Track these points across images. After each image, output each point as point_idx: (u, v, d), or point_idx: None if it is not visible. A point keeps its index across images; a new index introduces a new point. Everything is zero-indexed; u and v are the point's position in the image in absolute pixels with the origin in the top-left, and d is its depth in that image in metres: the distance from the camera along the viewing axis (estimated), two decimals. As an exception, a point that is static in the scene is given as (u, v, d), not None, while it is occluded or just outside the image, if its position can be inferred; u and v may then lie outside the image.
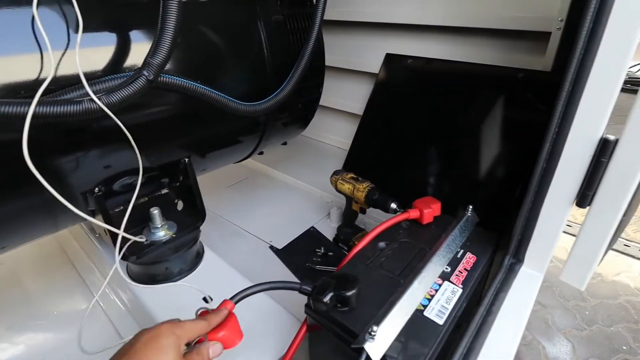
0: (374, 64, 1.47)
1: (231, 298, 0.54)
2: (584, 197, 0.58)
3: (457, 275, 0.64)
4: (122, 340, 0.51)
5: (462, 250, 0.70)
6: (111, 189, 0.77)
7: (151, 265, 0.79)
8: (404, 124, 1.29)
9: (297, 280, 0.89)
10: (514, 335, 0.56)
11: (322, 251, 1.15)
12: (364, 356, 0.50)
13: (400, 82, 1.39)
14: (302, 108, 1.06)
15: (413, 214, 0.76)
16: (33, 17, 0.54)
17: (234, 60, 0.81)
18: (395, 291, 0.59)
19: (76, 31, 0.56)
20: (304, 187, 1.52)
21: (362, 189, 1.04)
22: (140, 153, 0.65)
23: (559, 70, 1.02)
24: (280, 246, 1.17)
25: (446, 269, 0.65)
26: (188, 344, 0.46)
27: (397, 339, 0.52)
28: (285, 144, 1.26)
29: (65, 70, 0.56)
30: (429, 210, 0.76)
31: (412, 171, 1.22)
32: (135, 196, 0.66)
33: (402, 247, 0.71)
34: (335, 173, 1.12)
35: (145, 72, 0.55)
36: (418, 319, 0.56)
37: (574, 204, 0.60)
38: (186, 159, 0.82)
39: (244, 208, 1.37)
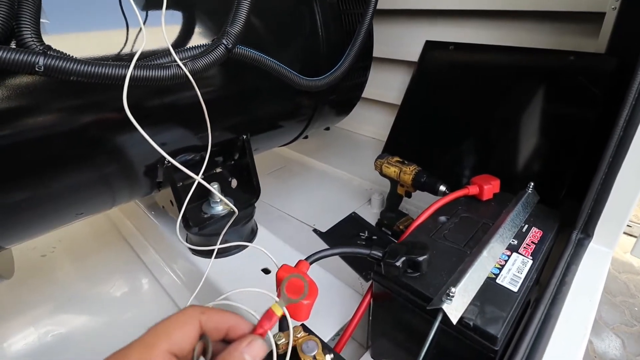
0: (412, 52, 1.46)
1: (306, 259, 0.55)
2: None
3: (525, 247, 0.63)
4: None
5: (526, 225, 0.69)
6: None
7: (211, 238, 0.82)
8: (447, 110, 1.28)
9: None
10: (591, 305, 0.55)
11: (366, 235, 1.15)
12: (439, 317, 0.50)
13: (441, 68, 1.38)
14: (348, 91, 1.07)
15: (472, 190, 0.75)
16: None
17: (291, 38, 0.83)
18: (463, 260, 0.59)
19: (159, 7, 0.59)
20: (342, 175, 1.53)
21: (409, 172, 1.04)
22: (205, 128, 0.68)
23: (615, 52, 0.99)
24: (323, 229, 1.19)
25: (513, 241, 0.64)
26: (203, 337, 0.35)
27: (472, 303, 0.52)
28: (328, 129, 1.27)
29: (151, 42, 0.58)
30: (489, 186, 0.75)
31: (455, 156, 1.21)
32: (205, 165, 0.68)
33: (463, 222, 0.71)
34: (380, 157, 1.12)
35: (224, 41, 0.57)
36: (491, 286, 0.55)
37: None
38: (244, 136, 0.84)
39: (285, 194, 1.40)
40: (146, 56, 0.55)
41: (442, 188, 0.98)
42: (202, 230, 0.79)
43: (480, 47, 1.26)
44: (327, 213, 1.27)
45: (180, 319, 0.33)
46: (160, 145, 0.78)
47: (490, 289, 0.55)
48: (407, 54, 1.49)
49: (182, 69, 0.53)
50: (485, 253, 0.59)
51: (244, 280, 0.77)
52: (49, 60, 0.44)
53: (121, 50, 0.57)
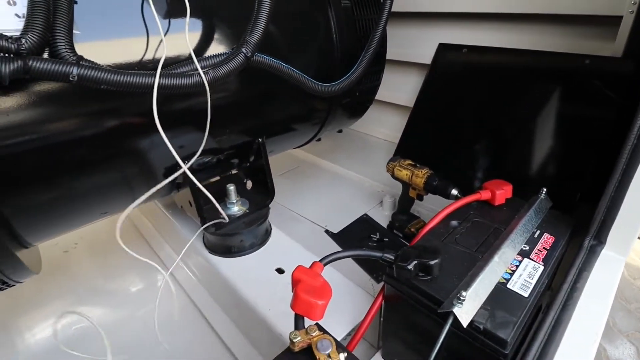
0: (425, 55, 1.47)
1: (320, 260, 0.57)
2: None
3: (536, 253, 0.64)
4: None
5: (538, 231, 0.69)
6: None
7: (228, 237, 0.84)
8: (459, 113, 1.28)
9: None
10: (602, 311, 0.55)
11: (377, 237, 1.16)
12: (450, 321, 0.52)
13: (454, 71, 1.38)
14: (362, 94, 1.08)
15: (484, 195, 0.76)
16: (142, 4, 0.60)
17: (306, 44, 0.85)
18: (474, 265, 0.60)
19: (181, 16, 0.61)
20: (354, 177, 1.54)
21: (421, 175, 1.05)
22: (221, 133, 0.70)
23: (632, 55, 0.98)
24: (335, 231, 1.20)
25: (524, 247, 0.65)
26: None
27: (482, 307, 0.53)
28: (340, 131, 1.29)
29: (173, 50, 0.61)
30: (501, 191, 0.76)
31: (466, 160, 1.21)
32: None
33: (475, 226, 0.71)
34: (392, 160, 1.13)
35: (243, 49, 0.59)
36: (502, 291, 0.56)
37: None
38: (260, 139, 0.86)
39: (297, 194, 1.42)
40: (169, 64, 0.57)
41: (454, 192, 0.98)
42: (220, 230, 0.81)
43: (493, 50, 1.26)
44: (338, 214, 1.28)
45: None
46: (179, 148, 0.81)
47: (501, 294, 0.56)
48: (420, 56, 1.50)
49: (205, 77, 0.55)
50: (496, 258, 0.60)
51: (258, 280, 0.80)
52: (82, 70, 0.47)
53: (143, 58, 0.60)
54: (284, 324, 0.70)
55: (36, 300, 1.01)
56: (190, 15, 0.64)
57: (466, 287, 0.53)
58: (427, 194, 1.08)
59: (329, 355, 0.44)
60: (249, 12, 0.67)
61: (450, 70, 1.38)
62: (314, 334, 0.47)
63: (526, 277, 0.59)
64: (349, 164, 1.60)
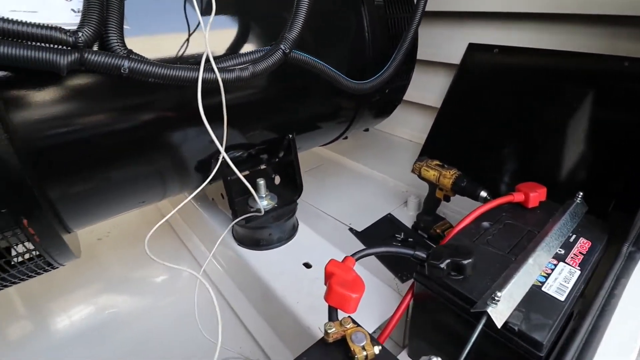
0: (453, 54, 1.44)
1: (352, 255, 0.57)
2: None
3: (572, 257, 0.62)
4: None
5: (574, 235, 0.68)
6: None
7: (257, 230, 0.86)
8: (488, 114, 1.26)
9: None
10: (642, 319, 0.54)
11: (402, 237, 1.16)
12: (483, 321, 0.51)
13: (484, 71, 1.36)
14: (391, 93, 1.08)
15: (517, 197, 0.75)
16: (185, 2, 0.62)
17: (339, 41, 0.86)
18: (507, 267, 0.59)
19: (220, 13, 0.63)
20: (378, 176, 1.54)
21: (449, 176, 1.04)
22: (253, 128, 0.72)
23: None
24: (359, 229, 1.20)
25: (560, 250, 0.64)
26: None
27: (517, 309, 0.53)
28: (367, 130, 1.29)
29: (213, 45, 0.63)
30: (536, 194, 0.74)
31: (495, 162, 1.19)
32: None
33: (507, 228, 0.70)
34: (419, 160, 1.13)
35: (282, 46, 0.60)
36: (537, 293, 0.56)
37: None
38: (290, 135, 0.87)
39: (321, 192, 1.42)
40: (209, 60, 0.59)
41: (483, 194, 0.97)
42: (249, 223, 0.83)
43: (526, 51, 1.23)
44: (362, 213, 1.28)
45: None
46: (210, 143, 0.83)
47: (536, 296, 0.55)
48: (448, 56, 1.48)
49: (245, 72, 0.57)
50: (531, 260, 0.59)
51: (286, 273, 0.81)
52: (133, 64, 0.49)
53: (185, 53, 0.62)
54: (312, 317, 0.71)
55: (69, 285, 1.05)
56: (228, 13, 0.67)
57: (500, 287, 0.53)
58: (454, 195, 1.06)
59: (363, 348, 0.44)
60: (284, 10, 0.68)
61: (480, 70, 1.36)
62: (348, 326, 0.47)
63: (562, 281, 0.58)
64: (373, 163, 1.60)
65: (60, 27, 0.45)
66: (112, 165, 0.64)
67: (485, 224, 0.72)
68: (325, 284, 0.55)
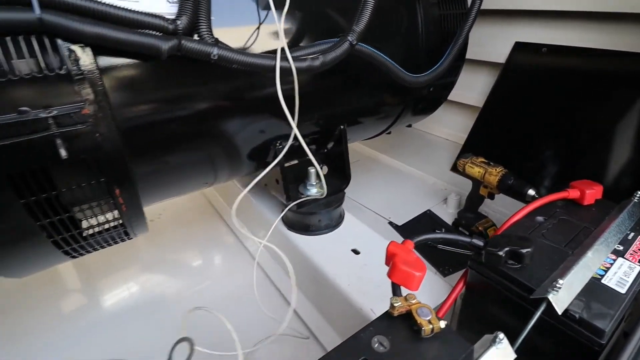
0: (498, 53, 1.43)
1: (411, 239, 0.60)
2: None
3: (631, 254, 0.62)
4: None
5: (632, 233, 0.67)
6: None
7: (307, 216, 0.90)
8: (535, 114, 1.25)
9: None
10: None
11: (442, 232, 1.16)
12: (542, 307, 0.52)
13: (531, 71, 1.34)
14: (437, 90, 1.09)
15: (573, 193, 0.75)
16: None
17: (394, 36, 0.88)
18: (564, 260, 0.60)
19: (292, 7, 0.67)
20: (415, 173, 1.55)
21: (495, 173, 1.04)
22: (309, 118, 0.75)
23: None
24: (399, 223, 1.22)
25: (618, 247, 0.64)
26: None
27: (577, 298, 0.54)
28: (410, 126, 1.30)
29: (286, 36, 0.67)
30: (592, 191, 0.74)
31: (540, 162, 1.18)
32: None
33: (562, 224, 0.71)
34: (463, 156, 1.13)
35: (349, 38, 0.63)
36: (597, 285, 0.56)
37: None
38: (342, 127, 0.91)
39: (360, 186, 1.45)
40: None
41: (531, 192, 0.97)
42: (300, 209, 0.87)
43: (577, 50, 1.20)
44: (401, 208, 1.30)
45: None
46: (259, 132, 0.87)
47: (596, 288, 0.56)
48: (492, 55, 1.46)
49: (316, 62, 0.60)
50: (589, 254, 0.59)
51: (335, 258, 0.84)
52: (220, 51, 0.54)
53: (261, 43, 0.66)
54: (363, 299, 0.74)
55: (124, 262, 1.13)
56: (297, 7, 0.70)
57: (561, 276, 0.54)
58: (499, 192, 1.06)
59: (429, 321, 0.47)
60: (347, 5, 0.72)
61: (527, 69, 1.34)
62: (413, 302, 0.50)
63: (622, 275, 0.58)
64: (410, 161, 1.61)
65: (162, 16, 0.50)
66: (188, 147, 0.70)
67: (539, 218, 0.72)
68: (387, 263, 0.58)
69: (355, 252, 0.86)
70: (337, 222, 0.96)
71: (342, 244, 0.89)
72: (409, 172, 1.57)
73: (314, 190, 0.92)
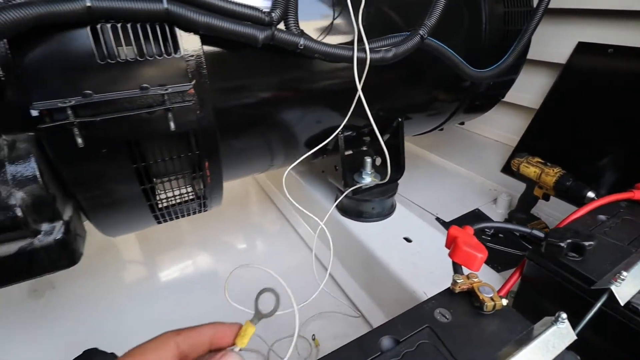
0: (558, 53, 1.39)
1: (471, 225, 0.62)
2: None
3: (702, 256, 0.61)
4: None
5: (703, 237, 0.66)
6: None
7: (362, 203, 0.94)
8: (597, 117, 1.21)
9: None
10: None
11: (492, 232, 1.16)
12: (603, 298, 0.53)
13: (595, 72, 1.30)
14: (495, 87, 1.10)
15: (638, 194, 0.74)
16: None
17: (457, 31, 0.90)
18: (627, 257, 0.60)
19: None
20: (464, 173, 1.54)
21: (552, 174, 1.03)
22: (371, 109, 0.78)
23: None
24: (446, 220, 1.24)
25: (686, 248, 0.63)
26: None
27: (640, 293, 0.54)
28: (462, 123, 1.30)
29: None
30: (659, 193, 0.73)
31: (601, 165, 1.15)
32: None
33: (625, 223, 0.70)
34: (519, 156, 1.13)
35: (421, 31, 0.67)
36: (662, 282, 0.56)
37: None
38: (400, 119, 0.94)
39: (407, 182, 1.46)
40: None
41: (591, 194, 0.95)
42: (356, 195, 0.92)
43: (648, 52, 1.16)
44: (448, 205, 1.31)
45: (155, 342, 0.34)
46: (316, 122, 0.92)
47: (661, 285, 0.56)
48: (552, 55, 1.43)
49: (389, 53, 0.64)
50: (656, 252, 0.59)
51: (388, 244, 0.88)
52: (306, 42, 0.60)
53: (337, 35, 0.71)
54: (417, 282, 0.77)
55: (173, 242, 1.23)
56: (370, 2, 0.75)
57: (627, 268, 0.54)
58: (555, 194, 1.05)
59: (492, 298, 0.50)
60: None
61: (590, 71, 1.30)
62: (475, 280, 0.53)
63: (691, 276, 0.57)
64: (458, 160, 1.60)
65: (259, 8, 0.57)
66: (262, 130, 0.77)
67: (602, 216, 0.72)
68: (447, 246, 0.61)
69: (408, 240, 0.90)
70: (389, 211, 1.00)
71: (394, 232, 0.92)
72: (456, 171, 1.57)
73: (369, 179, 0.96)
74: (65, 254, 0.57)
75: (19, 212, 0.52)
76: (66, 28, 0.47)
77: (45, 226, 0.56)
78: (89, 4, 0.45)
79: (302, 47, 0.59)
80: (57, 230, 0.56)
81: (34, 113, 0.48)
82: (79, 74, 0.50)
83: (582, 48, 1.34)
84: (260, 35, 0.56)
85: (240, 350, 0.34)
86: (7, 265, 0.55)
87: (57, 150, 0.53)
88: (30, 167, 0.52)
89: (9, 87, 0.48)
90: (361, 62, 0.64)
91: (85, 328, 0.92)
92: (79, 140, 0.50)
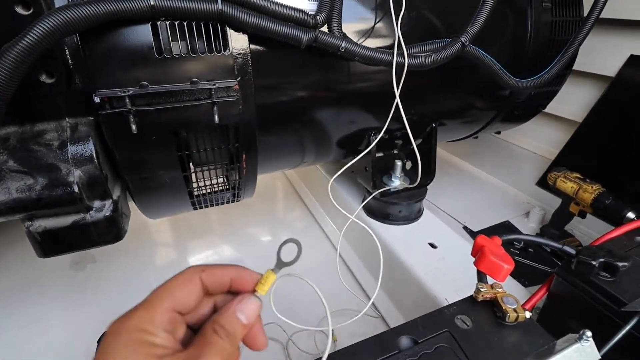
0: (608, 65, 1.33)
1: (500, 235, 0.62)
2: None
3: None
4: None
5: None
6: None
7: (389, 205, 0.95)
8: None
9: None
10: None
11: (521, 245, 1.14)
12: (634, 321, 0.52)
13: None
14: (536, 97, 1.07)
15: (683, 219, 0.70)
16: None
17: (501, 38, 0.89)
18: (664, 281, 0.58)
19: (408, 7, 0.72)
20: (496, 183, 1.51)
21: (590, 190, 0.99)
22: (406, 113, 0.79)
23: None
24: (474, 229, 1.22)
25: None
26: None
27: (675, 320, 0.52)
28: (499, 133, 1.28)
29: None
30: None
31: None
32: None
33: (666, 247, 0.67)
34: (556, 169, 1.09)
35: (462, 38, 0.67)
36: (700, 312, 0.54)
37: None
38: (434, 124, 0.94)
39: (436, 188, 1.45)
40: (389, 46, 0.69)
41: (631, 215, 0.91)
42: (384, 197, 0.93)
43: None
44: (477, 215, 1.29)
45: (182, 278, 0.34)
46: (349, 123, 0.93)
47: (698, 315, 0.53)
48: (601, 67, 1.36)
49: (428, 59, 0.65)
50: (695, 280, 0.57)
51: (413, 248, 0.89)
52: (347, 45, 0.61)
53: (377, 39, 0.73)
54: (439, 288, 0.77)
55: (203, 231, 1.28)
56: (412, 7, 0.76)
57: (662, 294, 0.53)
58: (591, 212, 1.01)
59: (515, 310, 0.50)
60: (459, 7, 0.75)
61: (641, 85, 1.24)
62: (499, 290, 0.53)
63: None
64: (491, 169, 1.57)
65: (305, 11, 0.59)
66: (296, 127, 0.79)
67: (639, 238, 0.69)
68: (473, 254, 0.61)
69: (433, 246, 0.90)
70: (416, 216, 1.00)
71: (420, 237, 0.93)
72: (487, 181, 1.54)
73: (398, 182, 0.97)
74: (112, 230, 0.62)
75: (76, 189, 0.57)
76: (130, 24, 0.52)
77: (97, 203, 0.61)
78: (152, 2, 0.49)
79: (343, 50, 0.61)
80: (106, 208, 0.61)
81: (97, 100, 0.53)
82: (138, 66, 0.54)
83: (634, 61, 1.28)
84: (305, 37, 0.58)
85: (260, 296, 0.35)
86: (60, 236, 0.61)
87: (113, 134, 0.58)
88: (88, 148, 0.57)
89: (77, 75, 0.53)
90: (400, 66, 0.65)
91: (119, 302, 0.99)
92: (133, 127, 0.55)
